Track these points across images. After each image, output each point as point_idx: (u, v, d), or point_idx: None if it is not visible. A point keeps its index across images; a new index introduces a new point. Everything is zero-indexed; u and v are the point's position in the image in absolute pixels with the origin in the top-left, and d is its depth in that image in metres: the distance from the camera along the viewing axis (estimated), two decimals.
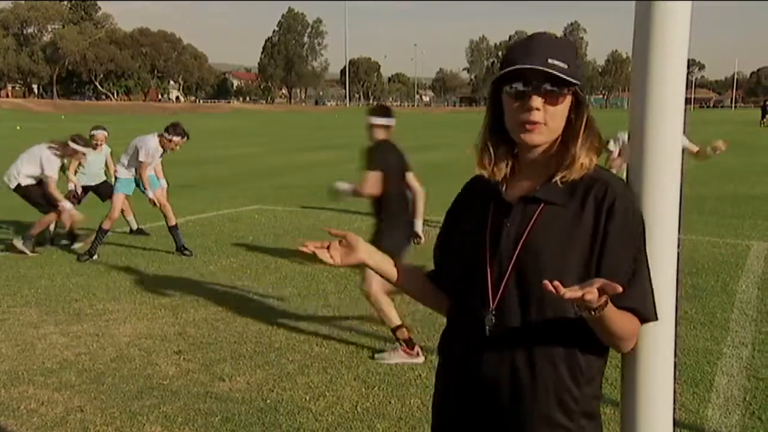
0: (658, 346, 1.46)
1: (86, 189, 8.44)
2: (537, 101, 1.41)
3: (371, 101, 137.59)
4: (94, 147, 8.19)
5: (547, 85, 1.40)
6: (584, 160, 1.45)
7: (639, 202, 1.45)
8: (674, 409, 1.49)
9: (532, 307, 1.43)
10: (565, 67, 1.40)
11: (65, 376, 4.20)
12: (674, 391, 1.48)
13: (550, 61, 1.39)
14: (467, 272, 1.53)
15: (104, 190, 8.49)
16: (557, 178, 1.45)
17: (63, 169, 7.88)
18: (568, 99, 1.44)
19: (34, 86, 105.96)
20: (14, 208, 9.87)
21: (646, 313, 1.41)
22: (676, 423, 1.50)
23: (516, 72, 1.40)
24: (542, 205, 1.46)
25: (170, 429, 3.53)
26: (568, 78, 1.40)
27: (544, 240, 1.44)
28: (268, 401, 3.85)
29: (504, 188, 1.52)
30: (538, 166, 1.50)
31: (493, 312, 1.46)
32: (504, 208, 1.49)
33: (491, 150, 1.53)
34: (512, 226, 1.47)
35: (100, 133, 8.30)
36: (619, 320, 1.36)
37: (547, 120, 1.42)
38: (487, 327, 1.46)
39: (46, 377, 4.18)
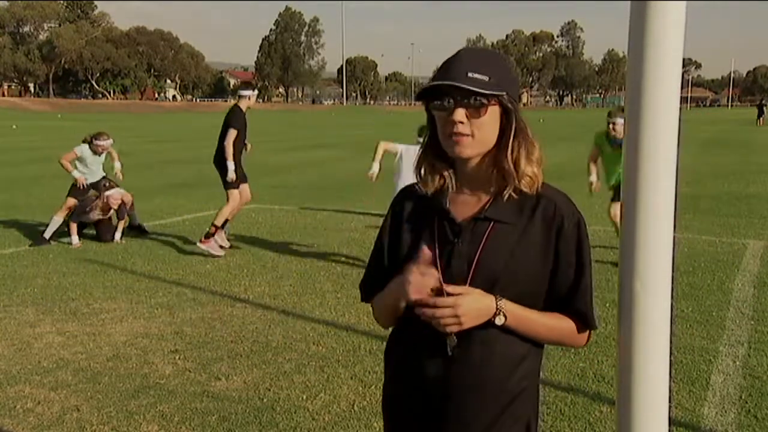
0: (653, 345, 1.46)
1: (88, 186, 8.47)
2: (459, 114, 1.43)
3: (368, 100, 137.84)
4: (98, 152, 8.41)
5: (468, 99, 1.42)
6: (529, 171, 1.46)
7: (633, 203, 1.46)
8: (670, 407, 1.50)
9: (490, 324, 1.46)
10: (486, 79, 1.42)
11: (61, 376, 4.19)
12: (670, 390, 1.49)
13: (469, 75, 1.41)
14: None
15: (104, 184, 8.56)
16: (506, 193, 1.47)
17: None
18: (495, 109, 1.45)
19: (31, 85, 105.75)
20: (16, 206, 9.83)
21: (591, 318, 1.52)
22: (671, 421, 1.50)
23: (438, 87, 1.43)
24: (492, 223, 1.48)
25: (167, 428, 3.53)
26: (482, 91, 1.40)
27: (495, 259, 1.46)
28: (265, 400, 3.85)
29: (447, 204, 1.52)
30: (481, 181, 1.51)
31: (454, 332, 1.46)
32: (453, 228, 1.50)
33: (424, 167, 1.55)
34: (463, 245, 1.48)
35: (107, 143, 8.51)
36: (535, 325, 1.48)
37: (473, 131, 1.44)
38: (449, 347, 1.48)
39: (42, 376, 4.18)
